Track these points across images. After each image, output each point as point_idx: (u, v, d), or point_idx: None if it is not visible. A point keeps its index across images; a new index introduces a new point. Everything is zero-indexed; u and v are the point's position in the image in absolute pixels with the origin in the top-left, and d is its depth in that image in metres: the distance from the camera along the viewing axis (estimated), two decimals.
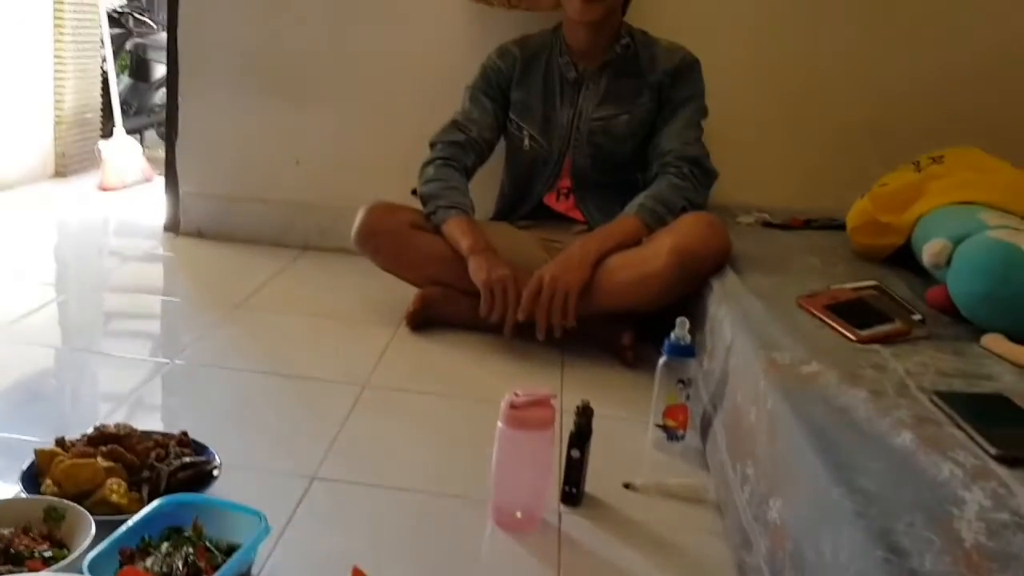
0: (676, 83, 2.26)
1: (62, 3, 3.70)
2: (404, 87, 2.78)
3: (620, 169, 2.31)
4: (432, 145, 2.29)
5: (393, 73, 2.78)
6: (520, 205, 2.40)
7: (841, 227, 2.12)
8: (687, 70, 2.27)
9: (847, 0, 2.63)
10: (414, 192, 2.25)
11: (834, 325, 1.52)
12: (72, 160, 3.82)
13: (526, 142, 2.34)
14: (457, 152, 2.27)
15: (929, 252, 1.66)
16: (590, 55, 2.30)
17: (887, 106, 2.67)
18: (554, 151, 2.33)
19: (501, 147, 2.41)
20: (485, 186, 2.43)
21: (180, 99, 2.90)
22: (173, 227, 2.99)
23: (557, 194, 2.36)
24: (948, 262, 1.61)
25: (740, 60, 2.66)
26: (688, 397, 1.64)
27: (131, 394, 1.77)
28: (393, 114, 2.79)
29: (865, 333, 1.47)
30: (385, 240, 2.21)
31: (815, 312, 1.58)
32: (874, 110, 2.68)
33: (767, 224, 2.40)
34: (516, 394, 1.35)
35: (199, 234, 2.96)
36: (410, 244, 2.20)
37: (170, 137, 2.96)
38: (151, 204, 3.26)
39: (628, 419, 1.73)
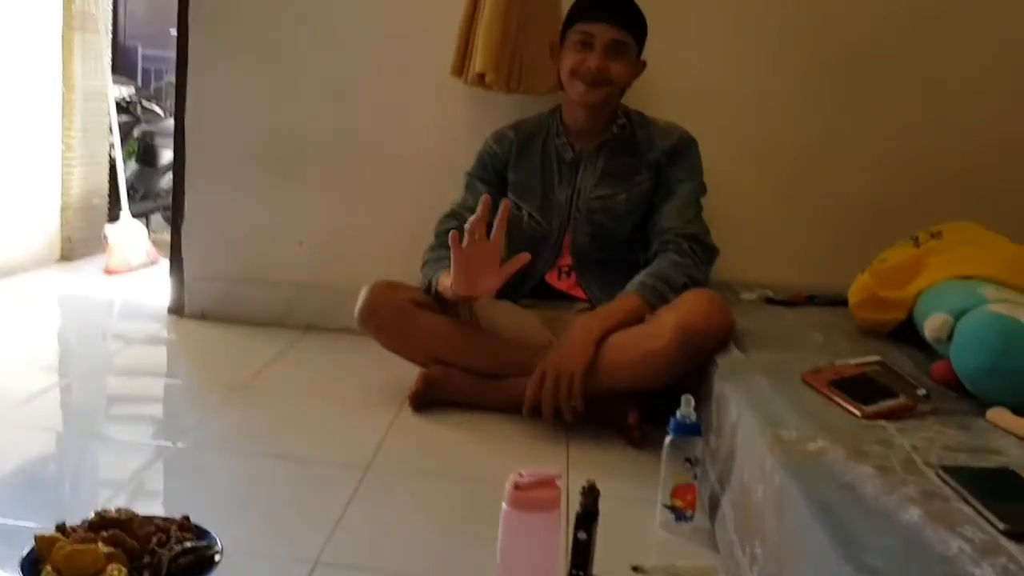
0: (674, 162, 2.29)
1: (72, 92, 3.79)
2: (406, 170, 2.82)
3: (620, 247, 2.33)
4: (435, 235, 2.32)
5: (395, 156, 2.83)
6: (522, 284, 2.41)
7: (844, 303, 2.12)
8: (684, 149, 2.31)
9: (840, 77, 2.69)
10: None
11: (839, 401, 1.51)
12: (78, 244, 3.86)
13: (525, 221, 2.36)
14: None
15: (930, 327, 1.67)
16: (587, 135, 2.34)
17: (885, 180, 2.71)
18: (554, 230, 2.35)
19: None
20: None
21: (186, 184, 2.95)
22: (177, 309, 3.01)
23: (559, 272, 2.38)
24: (950, 337, 1.61)
25: (737, 138, 2.71)
26: (696, 476, 1.62)
27: (133, 478, 1.76)
28: (395, 196, 2.83)
29: (870, 409, 1.46)
30: (387, 318, 2.22)
31: (820, 388, 1.57)
32: (872, 184, 2.71)
33: (770, 300, 2.41)
34: (520, 474, 1.33)
35: (203, 316, 2.98)
36: (412, 322, 2.21)
37: (176, 221, 3.00)
38: (156, 287, 3.28)
39: (635, 499, 1.71)
